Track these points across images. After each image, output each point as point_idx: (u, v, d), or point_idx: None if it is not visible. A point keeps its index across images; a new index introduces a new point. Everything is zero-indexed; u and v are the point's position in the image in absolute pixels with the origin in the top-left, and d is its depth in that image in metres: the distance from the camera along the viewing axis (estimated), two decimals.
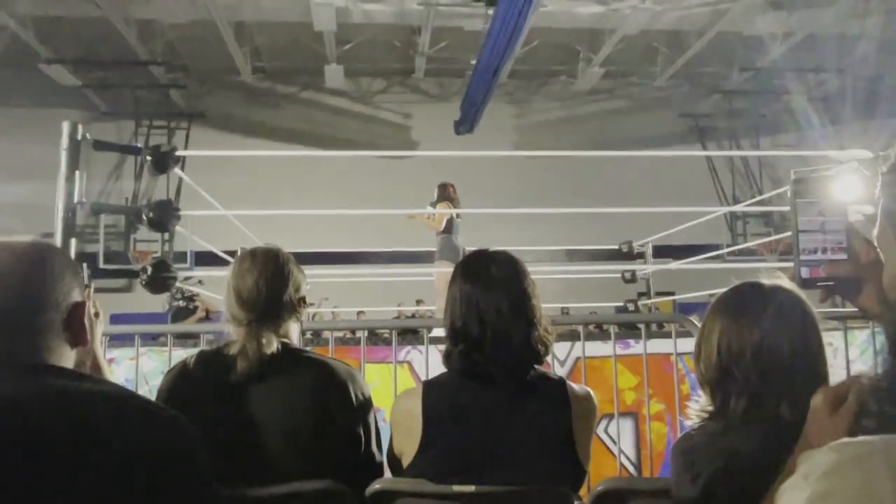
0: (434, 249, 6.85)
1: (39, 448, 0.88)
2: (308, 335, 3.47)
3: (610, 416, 3.27)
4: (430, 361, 3.09)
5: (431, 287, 7.00)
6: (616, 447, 3.43)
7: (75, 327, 1.08)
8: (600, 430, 3.41)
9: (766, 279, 1.42)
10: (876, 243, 1.29)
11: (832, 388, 0.92)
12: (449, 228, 6.63)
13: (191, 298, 6.25)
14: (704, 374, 1.39)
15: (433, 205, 6.70)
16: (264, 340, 1.62)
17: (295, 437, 1.57)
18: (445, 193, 6.73)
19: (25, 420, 0.90)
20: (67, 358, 1.07)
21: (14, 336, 1.00)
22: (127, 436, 0.94)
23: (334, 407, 1.62)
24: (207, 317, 6.45)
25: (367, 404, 1.71)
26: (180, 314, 6.39)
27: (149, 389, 3.28)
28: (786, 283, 1.40)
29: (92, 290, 1.56)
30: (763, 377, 1.30)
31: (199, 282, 6.70)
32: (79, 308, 1.09)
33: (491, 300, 1.56)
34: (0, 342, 0.99)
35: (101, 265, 12.42)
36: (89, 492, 0.87)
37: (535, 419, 1.53)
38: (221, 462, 1.05)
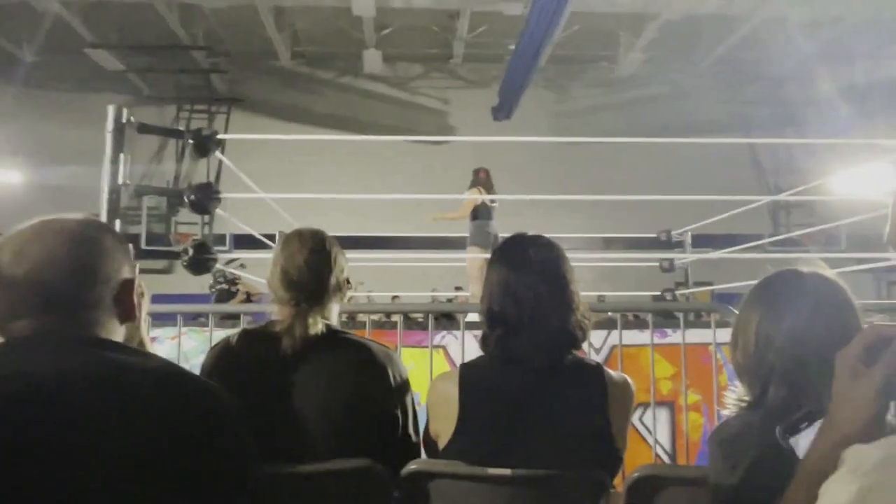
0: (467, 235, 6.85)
1: (90, 419, 0.90)
2: (344, 318, 3.50)
3: (645, 406, 3.24)
4: (466, 346, 3.10)
5: (464, 272, 7.02)
6: (651, 437, 3.41)
7: (125, 303, 1.11)
8: (635, 419, 3.39)
9: (804, 267, 1.39)
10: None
11: (859, 341, 0.83)
12: (477, 215, 6.62)
13: (233, 282, 6.35)
14: (742, 362, 1.37)
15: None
16: (311, 321, 1.65)
17: (334, 416, 1.60)
18: (477, 179, 6.71)
19: (77, 392, 0.92)
20: (117, 333, 1.10)
21: (66, 311, 1.03)
22: (173, 409, 0.96)
23: (373, 388, 1.64)
24: (248, 300, 6.55)
25: (404, 386, 1.72)
26: (223, 297, 6.50)
27: (189, 368, 3.34)
28: (825, 270, 1.37)
29: (137, 269, 1.60)
30: (802, 366, 1.27)
31: (242, 265, 6.81)
32: (128, 284, 1.12)
33: (528, 284, 1.56)
34: (52, 317, 1.02)
35: (144, 246, 12.70)
36: (137, 462, 0.90)
37: (572, 404, 1.53)
38: (262, 438, 1.07)
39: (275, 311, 1.74)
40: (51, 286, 1.02)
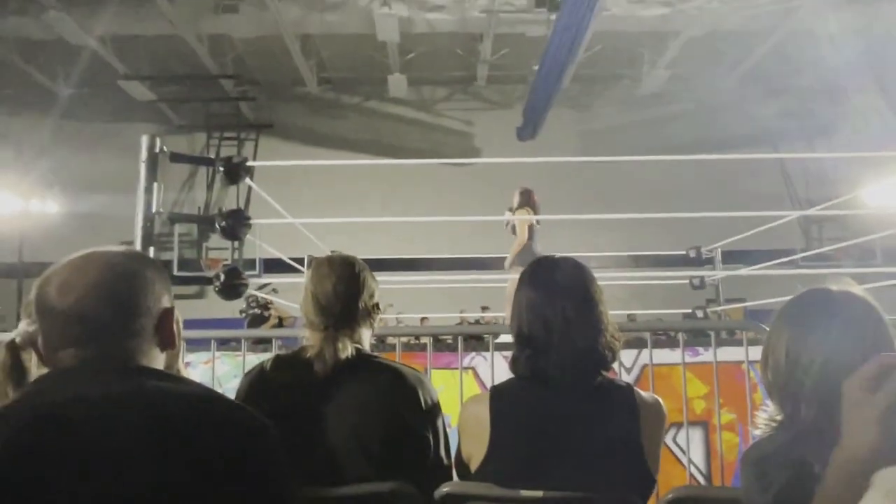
0: (505, 255, 6.78)
1: (132, 444, 0.93)
2: (373, 340, 3.52)
3: (679, 425, 3.20)
4: (496, 368, 3.10)
5: (494, 294, 6.99)
6: (685, 457, 3.36)
7: (165, 332, 1.14)
8: (668, 440, 3.35)
9: (834, 285, 1.38)
10: None
11: (864, 371, 0.89)
12: (528, 236, 6.53)
13: (265, 306, 6.43)
14: (772, 381, 1.35)
15: (512, 210, 6.58)
16: (340, 345, 1.67)
17: (367, 439, 1.61)
18: (529, 200, 6.55)
19: (120, 418, 0.96)
20: (158, 360, 1.14)
21: (109, 340, 1.07)
22: (214, 435, 0.99)
23: (404, 411, 1.65)
24: (280, 324, 6.62)
25: (435, 409, 1.73)
26: (256, 321, 6.58)
27: (222, 392, 3.38)
28: (855, 288, 1.36)
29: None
30: (832, 385, 1.26)
31: (274, 290, 6.88)
32: (168, 314, 1.16)
33: (557, 306, 1.56)
34: (96, 346, 1.06)
35: (176, 272, 12.88)
36: (177, 485, 0.92)
37: (603, 425, 1.53)
38: (297, 462, 1.09)
39: (307, 336, 1.76)
40: (95, 317, 1.06)
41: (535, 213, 6.51)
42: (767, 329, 2.76)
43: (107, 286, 1.08)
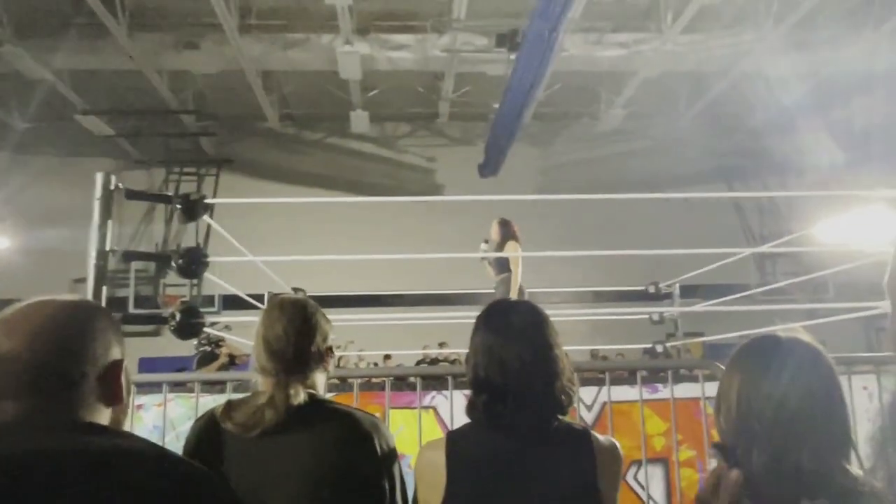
0: (471, 291, 6.64)
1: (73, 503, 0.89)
2: (335, 380, 3.47)
3: (639, 463, 3.21)
4: (455, 407, 3.07)
5: (457, 330, 6.94)
6: (645, 493, 3.36)
7: (112, 385, 1.09)
8: (629, 477, 3.35)
9: (782, 332, 1.42)
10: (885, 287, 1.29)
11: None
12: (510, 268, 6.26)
13: (217, 343, 6.25)
14: (725, 428, 1.37)
15: (492, 242, 6.36)
16: (292, 391, 1.64)
17: (320, 488, 1.57)
18: (512, 232, 6.30)
19: (54, 477, 0.91)
20: (102, 415, 1.08)
21: (49, 391, 1.02)
22: (160, 494, 0.95)
23: (358, 459, 1.62)
24: (232, 362, 6.43)
25: (391, 456, 1.70)
26: (206, 359, 6.38)
27: (175, 436, 3.29)
28: (804, 335, 1.39)
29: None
30: (785, 431, 1.28)
31: (227, 327, 6.71)
32: (117, 366, 1.11)
33: (513, 350, 1.56)
34: (35, 397, 1.01)
35: (132, 309, 12.61)
36: None
37: (560, 471, 1.52)
38: None
39: (259, 381, 1.73)
40: (36, 365, 1.02)
41: (520, 244, 6.33)
42: (721, 367, 2.80)
43: (50, 331, 1.04)
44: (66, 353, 1.05)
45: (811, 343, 1.36)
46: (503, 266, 6.26)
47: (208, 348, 6.19)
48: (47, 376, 1.02)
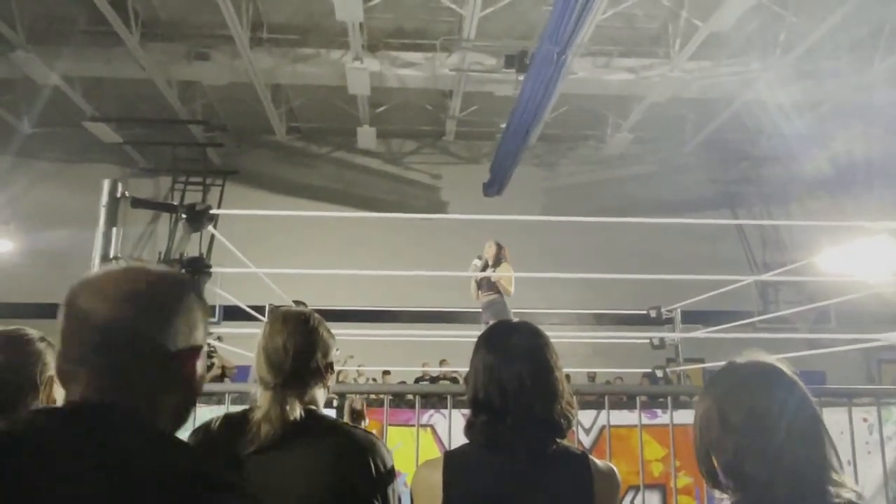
0: (470, 310, 6.70)
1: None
2: (334, 396, 3.46)
3: (637, 488, 3.19)
4: (454, 426, 3.06)
5: (456, 347, 6.94)
6: None
7: (188, 374, 1.05)
8: (626, 503, 3.33)
9: (741, 358, 1.42)
10: None
11: None
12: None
13: (209, 355, 6.18)
14: (714, 456, 1.37)
15: (485, 261, 6.49)
16: (288, 406, 1.62)
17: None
18: (506, 256, 6.51)
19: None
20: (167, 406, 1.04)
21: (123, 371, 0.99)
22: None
23: (354, 477, 1.60)
24: (223, 374, 6.36)
25: (387, 475, 1.67)
26: None
27: None
28: (766, 357, 1.39)
29: None
30: (763, 461, 1.28)
31: (218, 338, 6.67)
32: (195, 354, 1.06)
33: (513, 371, 1.56)
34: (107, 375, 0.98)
35: None
36: None
37: (557, 494, 1.51)
38: None
39: (258, 393, 1.71)
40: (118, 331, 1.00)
41: (513, 268, 6.50)
42: None
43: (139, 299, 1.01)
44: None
45: (775, 364, 1.37)
46: (493, 287, 6.41)
47: None
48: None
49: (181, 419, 1.07)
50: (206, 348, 1.06)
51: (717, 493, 1.42)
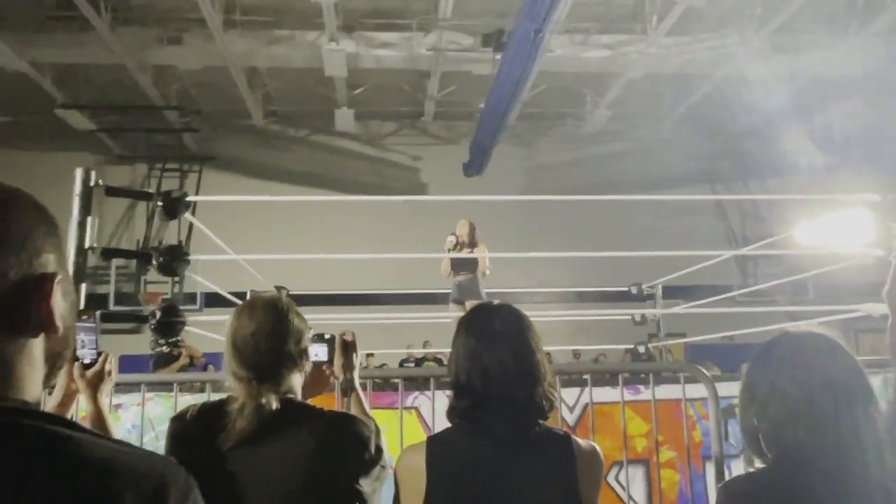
0: (448, 291, 6.77)
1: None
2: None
3: (620, 464, 3.22)
4: (438, 408, 3.07)
5: (440, 328, 6.95)
6: (626, 495, 3.37)
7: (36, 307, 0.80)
8: (611, 478, 3.36)
9: (793, 328, 1.47)
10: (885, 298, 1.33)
11: None
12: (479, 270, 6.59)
13: (175, 344, 5.98)
14: (758, 424, 1.42)
15: (460, 240, 6.57)
16: (264, 400, 1.57)
17: (294, 496, 1.54)
18: (480, 236, 6.63)
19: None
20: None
21: None
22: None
23: (333, 462, 1.58)
24: (192, 364, 6.26)
25: (371, 456, 1.65)
26: (163, 359, 6.09)
27: (155, 435, 3.26)
28: (819, 328, 1.45)
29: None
30: (810, 428, 1.33)
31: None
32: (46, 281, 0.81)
33: (494, 355, 1.55)
34: None
35: (112, 307, 12.49)
36: None
37: (541, 476, 1.51)
38: None
39: (232, 384, 1.65)
40: None
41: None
42: (701, 370, 2.82)
43: None
44: None
45: (826, 335, 1.42)
46: (469, 267, 6.48)
47: (165, 349, 5.99)
48: None
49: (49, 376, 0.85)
50: (61, 275, 0.82)
51: (756, 462, 1.46)
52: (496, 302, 1.70)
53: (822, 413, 1.31)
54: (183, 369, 6.00)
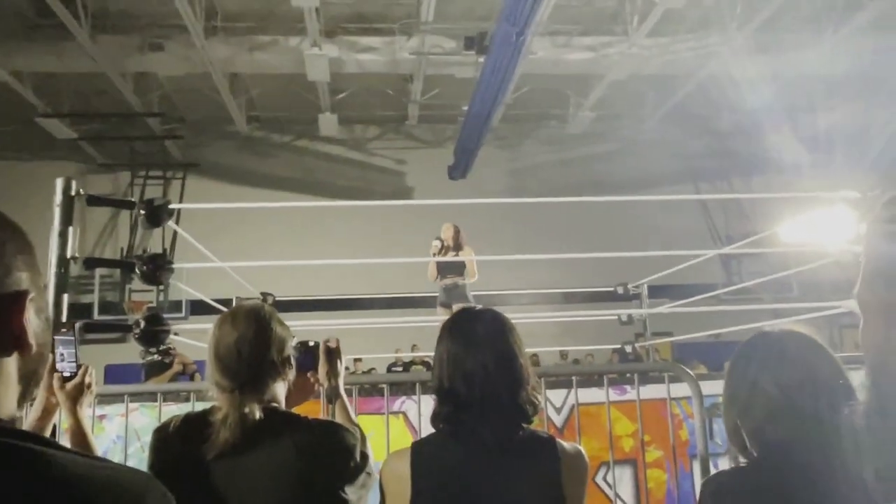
0: (435, 294, 6.78)
1: None
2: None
3: (608, 464, 3.22)
4: (425, 412, 3.06)
5: (427, 332, 6.94)
6: (613, 496, 3.38)
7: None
8: (598, 479, 3.36)
9: (770, 327, 1.49)
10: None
11: None
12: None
13: (166, 352, 5.92)
14: (740, 424, 1.43)
15: (444, 244, 6.59)
16: (247, 410, 1.56)
17: None
18: (465, 239, 6.67)
19: None
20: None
21: None
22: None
23: (316, 471, 1.57)
24: (184, 372, 6.21)
25: (355, 463, 1.64)
26: (155, 368, 6.03)
27: (140, 446, 3.24)
28: (797, 326, 1.47)
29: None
30: (791, 426, 1.35)
31: (175, 333, 6.50)
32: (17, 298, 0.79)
33: (477, 360, 1.55)
34: None
35: (97, 316, 12.39)
36: None
37: (526, 480, 1.51)
38: None
39: (215, 394, 1.64)
40: None
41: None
42: (686, 370, 2.84)
43: None
44: None
45: (802, 332, 1.45)
46: (456, 270, 6.51)
47: (157, 357, 5.93)
48: None
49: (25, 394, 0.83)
50: (34, 293, 0.81)
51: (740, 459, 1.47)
52: (479, 306, 1.70)
53: (802, 411, 1.33)
54: (175, 377, 5.95)
